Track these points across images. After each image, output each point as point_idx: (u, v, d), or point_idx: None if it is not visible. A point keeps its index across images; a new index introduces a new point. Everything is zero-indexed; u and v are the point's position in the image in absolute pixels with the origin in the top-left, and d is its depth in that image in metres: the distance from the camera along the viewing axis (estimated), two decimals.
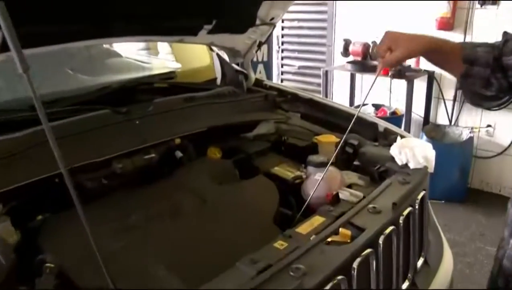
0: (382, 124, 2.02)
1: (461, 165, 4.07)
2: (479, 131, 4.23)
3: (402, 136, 1.87)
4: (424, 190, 1.54)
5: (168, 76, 2.26)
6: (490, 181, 4.33)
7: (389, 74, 4.00)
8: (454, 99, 4.28)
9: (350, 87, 4.85)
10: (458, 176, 4.06)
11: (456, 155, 4.02)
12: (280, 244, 1.20)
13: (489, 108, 4.07)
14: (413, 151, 1.64)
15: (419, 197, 1.49)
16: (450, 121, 4.34)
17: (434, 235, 1.80)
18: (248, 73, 2.41)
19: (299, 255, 1.10)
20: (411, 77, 4.08)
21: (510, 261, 1.44)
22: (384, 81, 4.47)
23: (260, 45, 2.33)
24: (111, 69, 2.31)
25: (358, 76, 4.79)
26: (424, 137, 4.08)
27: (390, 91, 4.60)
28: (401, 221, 1.35)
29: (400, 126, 4.34)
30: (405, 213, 1.37)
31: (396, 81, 4.28)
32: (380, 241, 1.24)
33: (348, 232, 1.19)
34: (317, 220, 1.35)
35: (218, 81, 2.50)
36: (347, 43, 4.51)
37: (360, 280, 1.14)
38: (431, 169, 1.62)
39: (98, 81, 2.03)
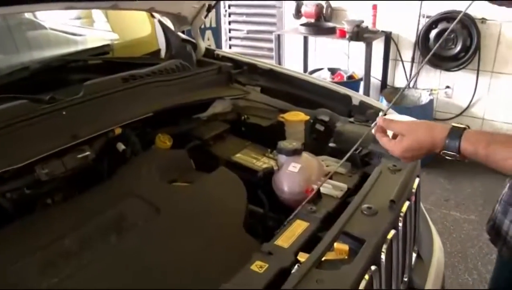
0: (357, 96, 1.77)
1: None
2: (438, 93, 4.09)
3: (379, 112, 1.63)
4: (418, 176, 1.31)
5: (102, 50, 1.89)
6: None
7: (347, 37, 3.76)
8: (412, 61, 4.10)
9: (303, 51, 4.58)
10: None
11: (416, 118, 3.85)
12: (258, 266, 0.94)
13: (447, 69, 3.93)
14: None
15: (415, 185, 1.26)
16: (409, 83, 4.18)
17: (422, 222, 1.59)
18: (197, 42, 2.09)
19: (294, 285, 0.85)
20: (369, 39, 3.85)
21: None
22: (340, 44, 4.23)
23: (209, 9, 2.01)
24: (34, 44, 1.92)
25: (311, 39, 4.51)
26: (384, 101, 3.90)
27: (348, 56, 4.38)
28: (400, 221, 1.11)
29: (358, 91, 4.14)
30: (404, 209, 1.13)
31: (352, 44, 4.05)
32: (383, 251, 1.00)
33: (345, 247, 0.94)
34: (299, 226, 1.10)
35: (163, 53, 2.16)
36: (298, 4, 4.23)
37: None
38: None
39: (14, 60, 1.65)
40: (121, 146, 1.44)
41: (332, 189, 1.26)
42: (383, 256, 0.99)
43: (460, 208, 3.49)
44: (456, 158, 1.03)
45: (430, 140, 1.04)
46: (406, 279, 1.26)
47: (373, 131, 1.16)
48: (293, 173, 1.29)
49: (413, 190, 1.24)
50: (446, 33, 3.67)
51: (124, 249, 1.05)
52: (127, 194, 1.24)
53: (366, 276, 0.90)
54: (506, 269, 1.42)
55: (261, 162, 1.55)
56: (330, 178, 1.34)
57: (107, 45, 1.96)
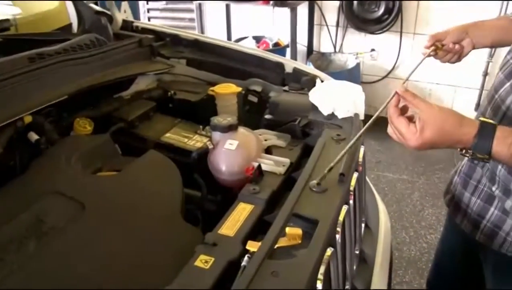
0: (290, 63, 1.67)
1: None
2: (363, 56, 4.09)
3: (315, 78, 1.55)
4: (362, 144, 1.24)
5: (1, 27, 1.66)
6: (377, 105, 4.26)
7: (271, 3, 3.65)
8: (337, 25, 4.07)
9: (226, 20, 4.42)
10: None
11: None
12: (203, 261, 0.83)
13: (372, 32, 3.93)
14: (339, 96, 1.32)
15: (361, 155, 1.19)
16: (335, 48, 4.15)
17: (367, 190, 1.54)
18: (112, 14, 1.90)
19: (249, 281, 0.74)
20: (294, 4, 3.75)
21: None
22: (264, 11, 4.11)
23: None
24: None
25: (234, 7, 4.34)
26: (311, 66, 3.85)
27: (273, 23, 4.27)
28: (351, 195, 1.04)
29: None
30: (353, 182, 1.05)
31: (277, 9, 3.93)
32: (338, 231, 0.91)
33: (298, 231, 0.85)
34: (243, 210, 0.99)
35: (75, 28, 1.95)
36: None
37: None
38: (362, 115, 1.32)
39: None
40: (33, 136, 1.26)
41: (274, 165, 1.16)
42: (338, 236, 0.91)
43: (392, 168, 3.55)
44: (485, 160, 0.93)
45: (457, 137, 0.92)
46: (357, 252, 1.20)
47: (391, 103, 1.01)
48: (230, 151, 1.17)
49: (360, 160, 1.17)
50: None
51: (44, 258, 0.89)
52: (45, 191, 1.07)
53: (325, 260, 0.82)
54: (454, 236, 1.40)
55: (193, 141, 1.42)
56: (270, 153, 1.25)
57: (7, 20, 1.72)
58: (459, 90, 3.95)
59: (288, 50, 4.01)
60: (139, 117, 1.52)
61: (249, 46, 3.99)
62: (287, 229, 0.84)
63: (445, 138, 0.93)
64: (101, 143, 1.34)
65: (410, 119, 0.98)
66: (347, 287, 1.08)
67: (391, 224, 2.87)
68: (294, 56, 3.94)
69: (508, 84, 1.09)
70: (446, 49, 1.31)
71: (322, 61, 4.10)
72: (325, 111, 1.31)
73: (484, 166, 1.17)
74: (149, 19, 5.01)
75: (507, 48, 1.18)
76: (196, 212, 1.22)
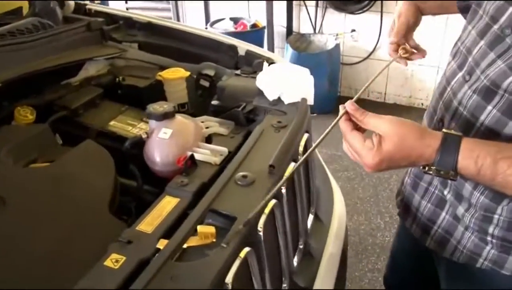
0: (243, 46, 1.59)
1: (330, 74, 3.85)
2: (344, 37, 4.01)
3: (268, 61, 1.47)
4: (307, 131, 1.17)
5: None
6: (358, 87, 4.21)
7: None
8: (316, 5, 3.97)
9: (204, 2, 4.31)
10: (328, 85, 3.85)
11: (324, 64, 3.77)
12: (114, 261, 0.77)
13: (352, 12, 3.84)
14: (286, 80, 1.25)
15: (302, 142, 1.12)
16: (314, 29, 4.06)
17: (320, 176, 1.48)
18: None
19: (143, 287, 0.68)
20: None
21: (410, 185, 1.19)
22: None
23: None
24: None
25: None
26: (290, 49, 3.76)
27: (248, 6, 4.17)
28: (283, 188, 0.97)
29: (262, 40, 3.98)
30: (288, 173, 0.99)
31: None
32: (260, 227, 0.85)
33: (210, 229, 0.78)
34: (167, 204, 0.93)
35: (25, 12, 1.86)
36: None
37: None
38: (310, 100, 1.25)
39: None
40: None
41: (210, 154, 1.09)
42: (261, 233, 0.84)
43: None
44: (451, 177, 0.81)
45: (419, 150, 0.81)
46: (301, 246, 1.15)
47: (340, 123, 0.88)
48: (163, 140, 1.11)
49: (301, 148, 1.10)
50: None
51: None
52: None
53: (237, 262, 0.75)
54: (407, 238, 1.28)
55: (137, 129, 1.35)
56: (210, 142, 1.18)
57: None
58: (441, 71, 3.87)
59: (266, 32, 3.93)
60: (84, 105, 1.44)
61: (221, 29, 3.91)
62: (199, 227, 0.78)
63: (406, 153, 0.81)
64: (37, 134, 1.27)
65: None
66: (284, 285, 1.02)
67: (367, 209, 2.85)
68: (271, 38, 3.86)
69: (460, 74, 0.98)
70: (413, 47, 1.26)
71: (301, 42, 4.01)
72: (271, 96, 1.24)
73: None
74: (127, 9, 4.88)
75: (458, 33, 1.09)
76: (130, 204, 1.15)
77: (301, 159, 0.78)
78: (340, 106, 0.89)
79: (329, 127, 0.88)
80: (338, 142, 3.38)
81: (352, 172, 3.23)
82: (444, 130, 0.82)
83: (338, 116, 0.89)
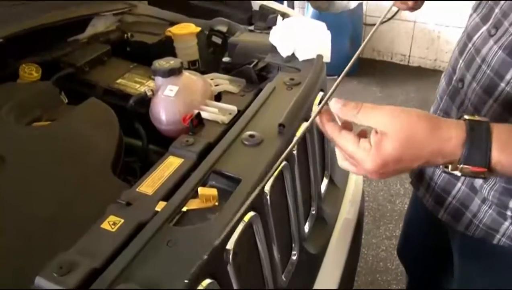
0: (258, 1, 1.51)
1: (352, 35, 3.73)
2: None
3: (284, 15, 1.39)
4: (322, 90, 1.11)
5: None
6: (381, 49, 4.08)
7: None
8: None
9: None
10: (350, 47, 3.73)
11: (346, 25, 3.65)
12: (111, 224, 0.73)
13: None
14: (301, 35, 1.18)
15: (316, 101, 1.06)
16: None
17: None
18: None
19: (136, 253, 0.64)
20: None
21: None
22: None
23: None
24: None
25: None
26: (310, 8, 3.64)
27: None
28: (295, 149, 0.91)
29: (282, 1, 3.86)
30: (299, 133, 0.93)
31: None
32: (267, 190, 0.80)
33: (211, 192, 0.73)
34: (170, 164, 0.88)
35: None
36: None
37: (240, 266, 0.72)
38: (327, 57, 1.18)
39: None
40: None
41: (218, 112, 1.03)
42: (268, 197, 0.79)
43: None
44: (481, 176, 0.65)
45: (434, 147, 0.63)
46: (313, 212, 1.10)
47: (317, 121, 0.72)
48: (169, 97, 1.05)
49: (314, 107, 1.04)
50: None
51: None
52: None
53: (240, 227, 0.70)
54: (420, 208, 1.20)
55: (145, 87, 1.30)
56: (219, 100, 1.12)
57: None
58: None
59: None
60: (90, 62, 1.39)
61: None
62: (200, 189, 0.73)
63: (416, 152, 0.63)
64: (41, 91, 1.23)
65: (363, 135, 0.69)
66: (294, 252, 0.97)
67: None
68: None
69: (484, 28, 0.88)
70: None
71: (323, 2, 3.87)
72: (285, 52, 1.17)
73: None
74: None
75: None
76: (135, 165, 1.11)
77: (313, 115, 0.69)
78: (314, 106, 0.75)
79: (313, 117, 0.72)
80: None
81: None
82: (466, 117, 0.65)
83: (313, 115, 0.71)
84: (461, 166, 0.64)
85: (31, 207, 0.85)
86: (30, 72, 1.31)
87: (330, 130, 0.70)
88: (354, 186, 1.28)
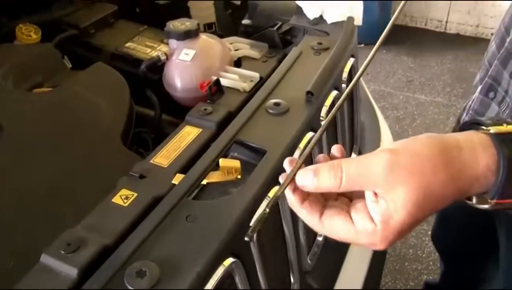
0: None
1: None
2: None
3: None
4: (353, 56, 1.10)
5: None
6: (414, 14, 4.02)
7: None
8: None
9: None
10: (379, 12, 3.68)
11: None
12: (123, 198, 0.74)
13: None
14: None
15: (347, 68, 1.05)
16: None
17: (368, 110, 1.41)
18: None
19: (152, 229, 0.64)
20: None
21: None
22: None
23: None
24: None
25: None
26: None
27: None
28: (322, 117, 0.91)
29: None
30: (328, 102, 0.92)
31: None
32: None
33: (235, 163, 0.73)
34: (187, 134, 0.88)
35: None
36: None
37: (264, 246, 0.72)
38: (358, 20, 1.17)
39: None
40: None
41: (239, 80, 1.03)
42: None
43: (425, 89, 3.37)
44: None
45: (458, 194, 0.53)
46: None
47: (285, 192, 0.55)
48: (184, 62, 1.05)
49: (345, 74, 1.03)
50: None
51: None
52: None
53: (264, 203, 0.71)
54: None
55: (157, 51, 1.30)
56: (239, 66, 1.12)
57: None
58: None
59: None
60: (96, 24, 1.40)
61: None
62: (221, 161, 0.73)
63: (436, 206, 0.52)
64: (41, 54, 1.24)
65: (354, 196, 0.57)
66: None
67: None
68: None
69: None
70: None
71: None
72: (311, 14, 1.17)
73: (503, 99, 0.95)
74: None
75: None
76: (147, 136, 1.12)
77: (353, 82, 0.64)
78: (286, 161, 0.57)
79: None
80: (387, 77, 3.28)
81: (402, 111, 3.13)
82: (491, 130, 0.53)
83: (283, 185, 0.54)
84: (494, 199, 0.53)
85: (31, 179, 0.86)
86: (28, 33, 1.31)
87: (295, 203, 0.55)
88: None
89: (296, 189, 0.54)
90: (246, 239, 0.53)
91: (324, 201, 0.56)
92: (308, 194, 0.55)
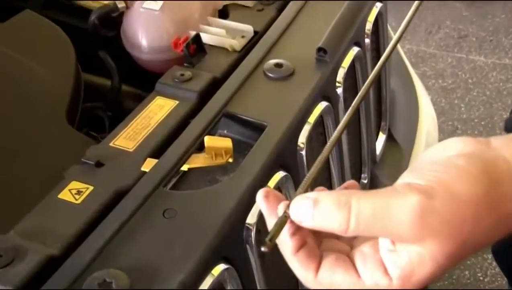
0: None
1: None
2: None
3: None
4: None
5: None
6: None
7: None
8: None
9: None
10: None
11: None
12: (74, 192, 0.79)
13: None
14: None
15: (372, 17, 1.11)
16: None
17: (401, 75, 1.47)
18: None
19: (116, 229, 0.70)
20: None
21: None
22: None
23: None
24: None
25: None
26: None
27: None
28: (339, 81, 0.97)
29: None
30: (347, 63, 0.99)
31: None
32: (301, 143, 0.86)
33: (224, 143, 0.79)
34: (159, 108, 0.94)
35: None
36: None
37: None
38: None
39: None
40: None
41: (226, 35, 1.09)
42: (302, 152, 0.85)
43: (484, 48, 3.41)
44: None
45: (501, 212, 0.51)
46: (365, 181, 1.16)
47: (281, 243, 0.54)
48: (151, 11, 1.11)
49: (369, 25, 1.09)
50: None
51: None
52: None
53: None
54: None
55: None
56: (226, 17, 1.18)
57: None
58: None
59: None
60: None
61: None
62: (207, 140, 0.79)
63: (481, 245, 0.53)
64: None
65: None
66: None
67: (474, 133, 2.81)
68: None
69: None
70: None
71: None
72: None
73: None
74: None
75: None
76: (102, 114, 1.18)
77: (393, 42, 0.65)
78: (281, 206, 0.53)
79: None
80: (429, 32, 3.32)
81: (451, 79, 3.18)
82: None
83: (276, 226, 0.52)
84: None
85: None
86: None
87: (289, 252, 0.55)
88: (424, 146, 1.34)
89: (297, 231, 0.53)
90: (263, 249, 0.51)
91: (316, 238, 0.56)
92: (306, 239, 0.54)
